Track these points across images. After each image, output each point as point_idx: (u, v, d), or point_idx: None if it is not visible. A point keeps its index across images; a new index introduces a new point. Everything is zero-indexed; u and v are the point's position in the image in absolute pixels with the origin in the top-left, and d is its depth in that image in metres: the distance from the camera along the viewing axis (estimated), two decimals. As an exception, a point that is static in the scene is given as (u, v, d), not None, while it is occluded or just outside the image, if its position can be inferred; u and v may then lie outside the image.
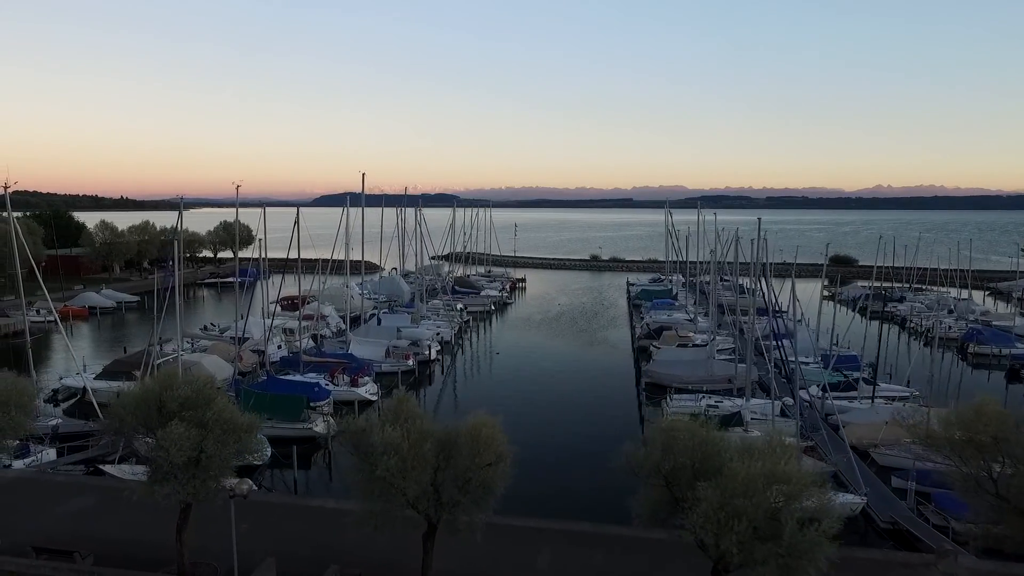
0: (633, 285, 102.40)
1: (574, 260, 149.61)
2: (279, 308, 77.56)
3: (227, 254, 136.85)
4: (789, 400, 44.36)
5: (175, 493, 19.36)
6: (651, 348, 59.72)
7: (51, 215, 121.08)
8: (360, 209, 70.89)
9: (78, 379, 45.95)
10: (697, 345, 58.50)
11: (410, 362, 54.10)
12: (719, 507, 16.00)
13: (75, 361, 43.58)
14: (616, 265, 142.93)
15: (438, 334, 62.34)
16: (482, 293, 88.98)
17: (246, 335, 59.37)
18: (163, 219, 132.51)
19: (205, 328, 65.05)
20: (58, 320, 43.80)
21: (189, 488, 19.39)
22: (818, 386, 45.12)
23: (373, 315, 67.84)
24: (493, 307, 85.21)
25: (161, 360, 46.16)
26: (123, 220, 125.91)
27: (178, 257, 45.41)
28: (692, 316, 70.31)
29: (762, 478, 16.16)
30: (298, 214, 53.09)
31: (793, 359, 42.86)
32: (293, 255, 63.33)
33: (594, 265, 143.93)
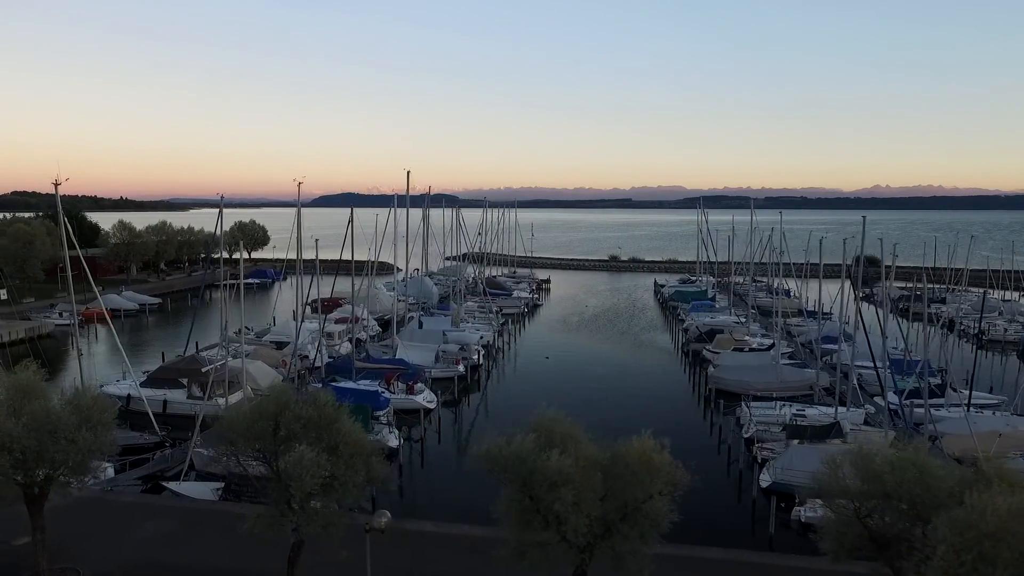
0: (663, 286, 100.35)
1: (592, 260, 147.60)
2: (309, 311, 75.54)
3: (236, 255, 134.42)
4: (870, 408, 42.48)
5: (304, 526, 17.14)
6: (704, 352, 57.63)
7: (65, 215, 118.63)
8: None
9: (120, 387, 43.78)
10: (754, 349, 56.40)
11: (461, 367, 51.96)
12: (962, 550, 13.84)
13: (127, 365, 41.23)
14: (636, 266, 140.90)
15: (481, 337, 60.19)
16: (514, 295, 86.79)
17: (287, 339, 57.29)
18: (165, 219, 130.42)
19: (239, 332, 62.54)
20: (110, 321, 41.60)
21: (319, 520, 17.17)
22: (895, 392, 43.06)
23: (411, 318, 65.57)
24: (525, 309, 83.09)
25: (209, 367, 43.96)
26: (127, 220, 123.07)
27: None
28: (744, 319, 68.15)
29: (1017, 515, 14.00)
30: (352, 214, 50.91)
31: (877, 364, 41.08)
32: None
33: (613, 266, 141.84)
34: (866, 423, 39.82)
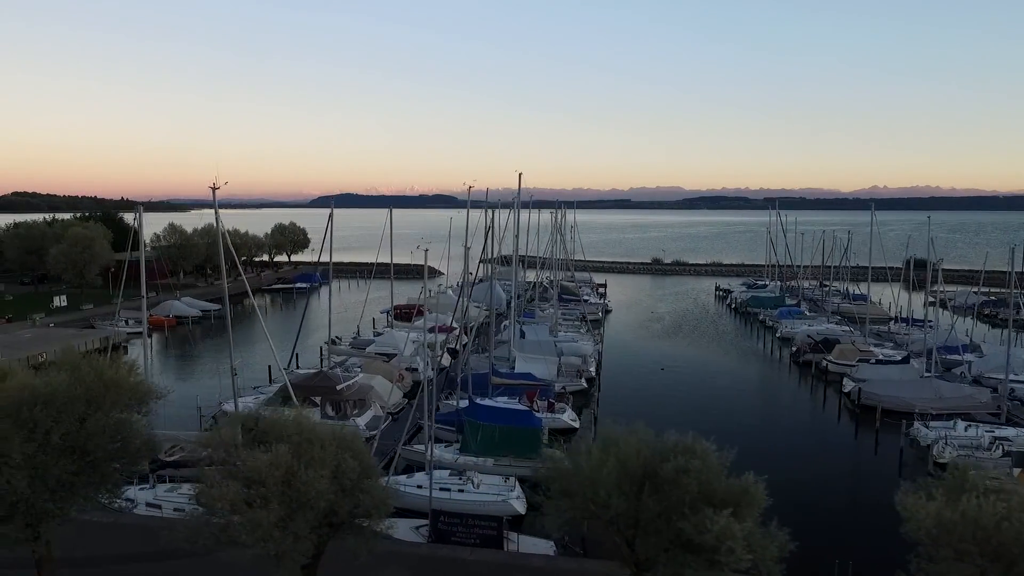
0: (730, 291, 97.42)
1: (635, 264, 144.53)
2: (388, 318, 72.36)
3: (277, 258, 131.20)
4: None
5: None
6: (826, 363, 54.78)
7: (102, 217, 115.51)
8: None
9: (244, 404, 40.57)
10: (882, 361, 53.52)
11: (583, 380, 49.14)
12: None
13: (284, 378, 38.02)
14: (681, 269, 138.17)
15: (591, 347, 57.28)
16: (589, 301, 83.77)
17: (393, 350, 54.33)
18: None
19: (333, 342, 59.41)
20: (265, 326, 38.70)
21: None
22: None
23: (505, 327, 62.50)
24: (602, 315, 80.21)
25: (343, 384, 40.97)
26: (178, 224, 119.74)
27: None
28: (854, 329, 65.29)
29: None
30: (491, 217, 47.80)
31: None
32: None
33: (658, 269, 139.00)
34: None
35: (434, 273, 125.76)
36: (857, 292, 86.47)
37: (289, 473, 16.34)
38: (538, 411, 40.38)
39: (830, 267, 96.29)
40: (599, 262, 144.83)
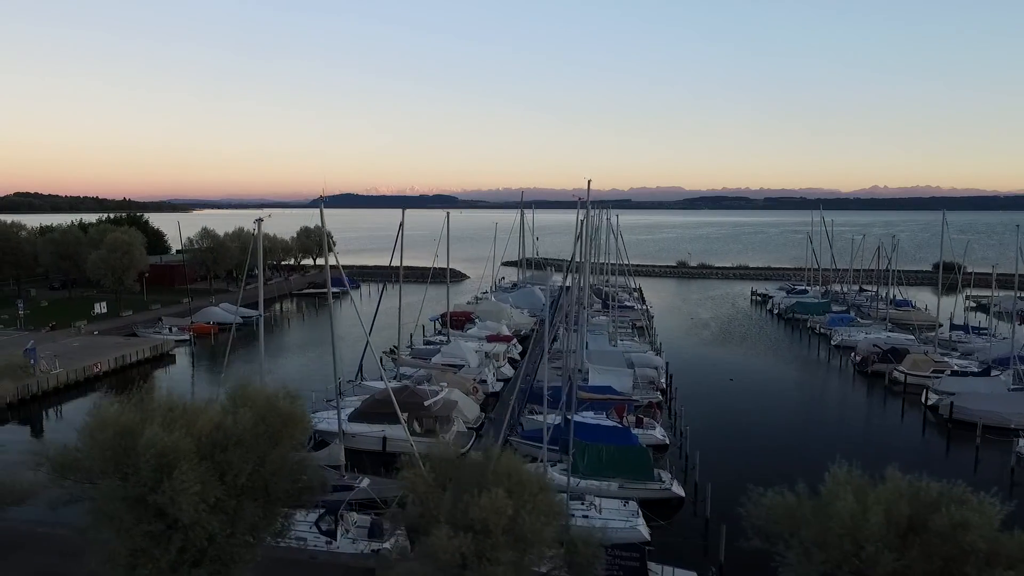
0: (770, 296, 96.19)
1: (661, 267, 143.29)
2: (438, 325, 71.04)
3: (300, 261, 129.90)
4: None
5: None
6: (901, 375, 53.51)
7: (128, 220, 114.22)
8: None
9: (323, 419, 39.24)
10: (958, 372, 52.35)
11: (658, 394, 47.94)
12: None
13: (385, 380, 36.33)
14: (708, 272, 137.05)
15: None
16: (635, 307, 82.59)
17: (461, 361, 53.11)
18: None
19: (391, 352, 58.26)
20: (333, 330, 37.21)
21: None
22: None
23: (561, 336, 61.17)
24: (648, 321, 78.95)
25: (432, 400, 39.70)
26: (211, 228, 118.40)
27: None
28: (919, 338, 64.14)
29: None
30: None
31: None
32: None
33: (684, 272, 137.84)
34: None
35: (456, 275, 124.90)
36: (900, 297, 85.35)
37: (511, 520, 15.20)
38: (628, 427, 39.20)
39: (871, 271, 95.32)
40: (625, 265, 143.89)
